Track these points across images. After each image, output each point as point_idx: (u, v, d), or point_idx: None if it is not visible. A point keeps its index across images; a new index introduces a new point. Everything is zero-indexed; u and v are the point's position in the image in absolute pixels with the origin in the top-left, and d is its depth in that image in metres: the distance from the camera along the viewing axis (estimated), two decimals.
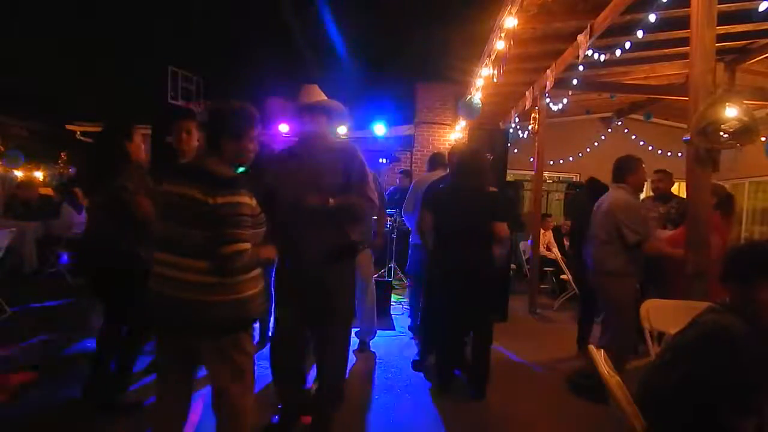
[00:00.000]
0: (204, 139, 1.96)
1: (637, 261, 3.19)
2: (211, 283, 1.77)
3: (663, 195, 4.22)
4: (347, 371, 2.85)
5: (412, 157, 9.45)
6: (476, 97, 6.15)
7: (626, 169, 3.30)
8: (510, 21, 4.03)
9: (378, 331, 4.32)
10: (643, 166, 3.35)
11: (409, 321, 4.86)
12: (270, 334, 3.03)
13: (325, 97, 2.58)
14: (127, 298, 2.63)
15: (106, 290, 2.75)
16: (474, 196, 3.15)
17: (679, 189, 7.60)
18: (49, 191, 9.03)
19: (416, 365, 3.73)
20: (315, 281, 2.40)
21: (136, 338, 2.81)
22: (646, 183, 3.60)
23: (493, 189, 3.31)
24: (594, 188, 4.11)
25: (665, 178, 4.23)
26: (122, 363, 2.79)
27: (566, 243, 7.41)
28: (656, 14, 4.10)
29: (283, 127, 6.54)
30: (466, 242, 3.10)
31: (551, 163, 9.36)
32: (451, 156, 3.90)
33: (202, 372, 2.01)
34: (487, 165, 3.41)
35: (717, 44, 2.86)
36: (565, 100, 7.20)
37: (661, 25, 4.40)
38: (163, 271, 1.80)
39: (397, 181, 8.01)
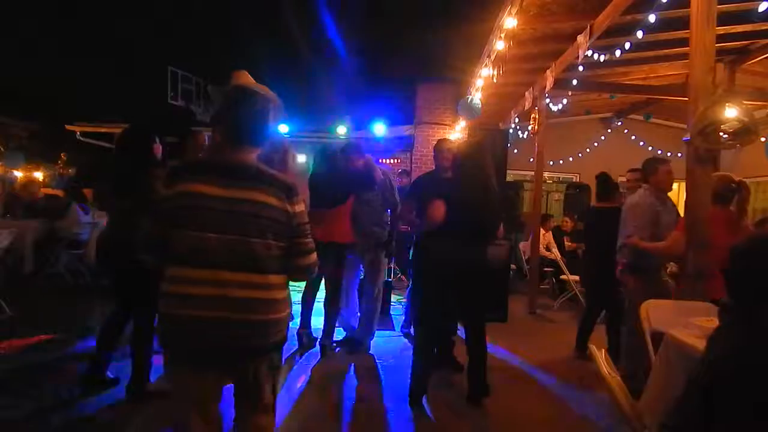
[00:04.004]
0: (248, 135, 1.64)
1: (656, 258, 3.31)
2: (273, 300, 1.59)
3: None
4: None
5: (411, 157, 9.45)
6: (476, 97, 6.15)
7: (648, 171, 3.53)
8: (510, 21, 4.04)
9: (377, 331, 4.31)
10: (666, 167, 3.47)
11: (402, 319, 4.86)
12: None
13: (254, 83, 2.29)
14: (154, 297, 2.68)
15: (137, 292, 2.82)
16: (476, 190, 3.05)
17: (679, 189, 7.63)
18: (55, 191, 9.01)
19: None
20: None
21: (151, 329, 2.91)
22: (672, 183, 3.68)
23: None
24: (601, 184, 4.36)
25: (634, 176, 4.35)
26: (146, 354, 2.89)
27: (567, 243, 7.41)
28: (656, 14, 4.10)
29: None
30: (461, 236, 2.99)
31: (551, 163, 9.35)
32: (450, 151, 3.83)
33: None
34: (489, 159, 3.28)
35: (717, 44, 2.87)
36: (565, 101, 7.21)
37: (661, 26, 4.40)
38: (199, 290, 1.51)
39: (396, 180, 8.02)
